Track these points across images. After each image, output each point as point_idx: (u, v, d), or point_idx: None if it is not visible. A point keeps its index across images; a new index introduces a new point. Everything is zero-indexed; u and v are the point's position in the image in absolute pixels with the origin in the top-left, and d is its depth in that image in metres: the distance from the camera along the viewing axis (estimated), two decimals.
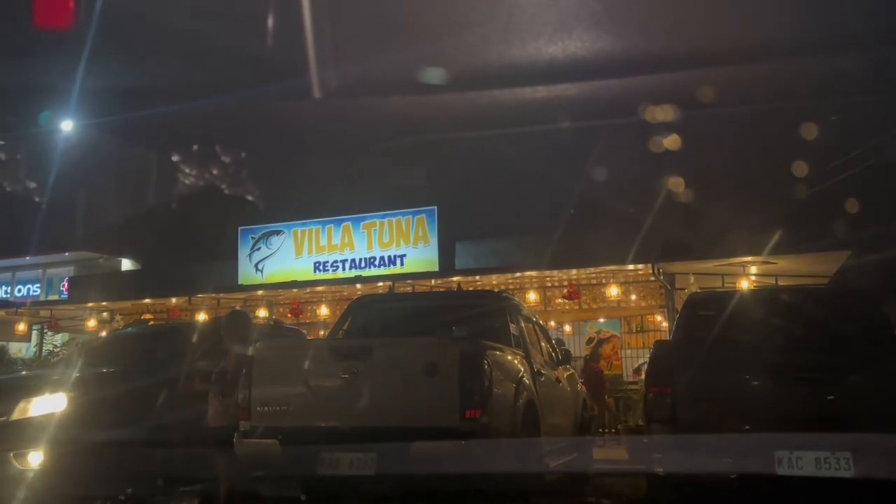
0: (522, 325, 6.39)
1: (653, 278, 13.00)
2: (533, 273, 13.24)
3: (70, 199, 19.71)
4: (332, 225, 15.40)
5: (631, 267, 12.58)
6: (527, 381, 5.63)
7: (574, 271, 13.12)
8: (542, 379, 6.22)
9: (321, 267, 15.47)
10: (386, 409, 4.77)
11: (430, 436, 4.63)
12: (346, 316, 6.28)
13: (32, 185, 20.23)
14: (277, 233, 15.81)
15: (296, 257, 15.61)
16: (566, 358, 7.56)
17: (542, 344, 7.07)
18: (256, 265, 15.84)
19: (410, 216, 14.59)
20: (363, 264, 15.08)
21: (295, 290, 14.98)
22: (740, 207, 11.22)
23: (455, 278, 13.51)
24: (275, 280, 15.37)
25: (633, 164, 12.22)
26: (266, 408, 4.92)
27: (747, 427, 4.90)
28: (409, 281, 13.83)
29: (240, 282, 15.59)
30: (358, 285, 14.21)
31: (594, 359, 13.22)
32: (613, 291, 13.33)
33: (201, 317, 15.52)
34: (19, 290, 22.57)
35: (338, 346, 5.38)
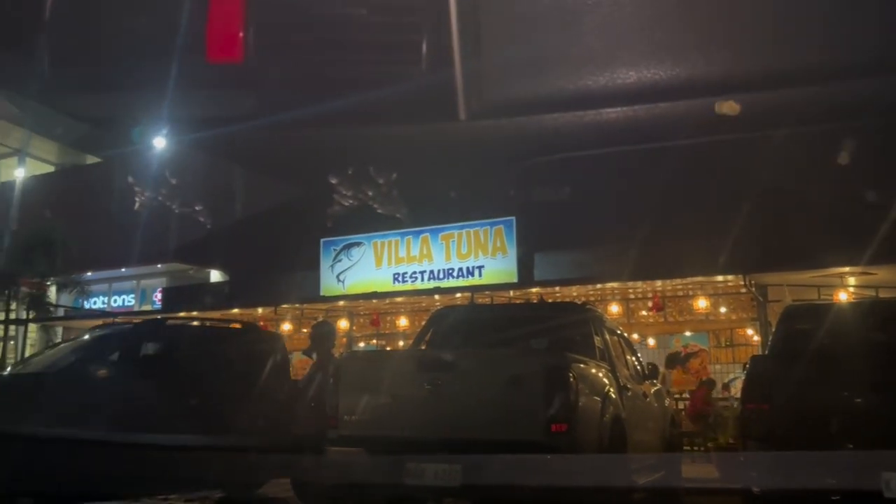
0: (607, 337, 6.25)
1: (744, 290, 12.50)
2: (615, 284, 12.96)
3: (162, 212, 20.62)
4: (410, 236, 15.54)
5: (720, 278, 12.13)
6: (613, 395, 5.49)
7: (659, 282, 12.76)
8: (629, 393, 6.05)
9: (400, 278, 15.62)
10: (470, 420, 4.75)
11: (515, 449, 4.57)
12: (428, 327, 6.30)
13: (128, 199, 21.34)
14: (358, 244, 16.08)
15: (376, 268, 15.83)
16: (653, 372, 7.35)
17: (628, 357, 6.89)
18: (338, 276, 16.14)
19: (489, 227, 14.56)
20: (441, 275, 15.13)
21: (374, 301, 15.19)
22: (838, 216, 10.68)
23: (534, 289, 13.37)
24: (355, 291, 15.62)
25: (722, 171, 11.80)
26: (353, 416, 4.99)
27: (850, 446, 4.63)
28: (487, 292, 13.79)
29: (322, 293, 15.91)
30: (436, 296, 14.28)
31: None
32: (702, 304, 12.86)
33: (286, 326, 15.93)
34: (115, 301, 23.64)
35: (422, 358, 5.40)
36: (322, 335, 5.91)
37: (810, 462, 4.48)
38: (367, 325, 16.38)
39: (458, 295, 14.03)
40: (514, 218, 14.27)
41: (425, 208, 15.54)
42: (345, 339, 16.06)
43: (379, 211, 16.18)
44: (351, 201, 16.32)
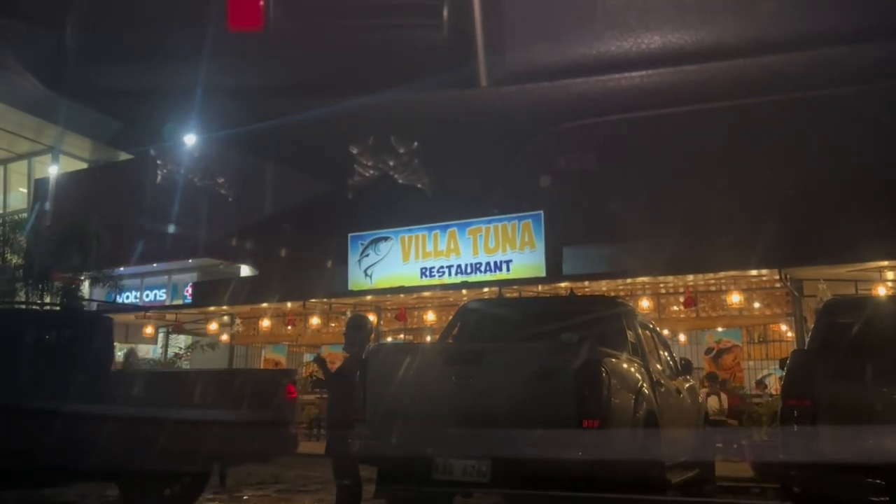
0: (639, 332, 6.10)
1: (778, 284, 12.21)
2: (646, 279, 12.75)
3: (193, 207, 20.81)
4: (438, 231, 15.46)
5: (754, 272, 11.86)
6: (646, 391, 5.35)
7: (691, 277, 12.52)
8: (662, 389, 5.90)
9: (427, 272, 15.56)
10: (499, 415, 4.65)
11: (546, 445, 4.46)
12: (455, 320, 6.21)
13: (159, 195, 21.57)
14: (385, 239, 16.04)
15: (403, 263, 15.78)
16: (686, 368, 7.18)
17: (661, 353, 6.73)
18: (366, 271, 16.13)
19: (516, 221, 14.42)
20: (469, 270, 15.03)
21: (402, 296, 15.15)
22: (877, 208, 10.35)
23: (563, 284, 13.21)
24: (383, 285, 15.60)
25: (756, 163, 11.51)
26: (379, 410, 4.92)
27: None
28: (515, 287, 13.66)
29: (349, 287, 15.92)
30: (464, 291, 14.18)
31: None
32: (735, 298, 12.58)
33: (315, 321, 15.96)
34: (147, 296, 23.96)
35: (449, 351, 5.31)
36: (356, 329, 5.82)
37: (852, 457, 4.33)
38: (394, 319, 16.37)
39: (486, 290, 13.93)
40: (542, 212, 14.11)
41: (453, 202, 15.45)
42: (372, 335, 16.04)
43: (406, 204, 16.14)
44: (378, 194, 16.30)
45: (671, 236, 11.53)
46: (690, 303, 12.64)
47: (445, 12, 3.08)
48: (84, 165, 26.49)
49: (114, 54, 3.78)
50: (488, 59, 3.18)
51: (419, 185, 16.41)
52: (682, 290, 13.00)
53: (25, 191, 26.89)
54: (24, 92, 22.15)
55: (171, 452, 5.31)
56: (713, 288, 13.23)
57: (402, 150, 16.04)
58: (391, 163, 16.25)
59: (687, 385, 7.13)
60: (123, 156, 25.45)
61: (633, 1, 3.03)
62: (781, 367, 7.09)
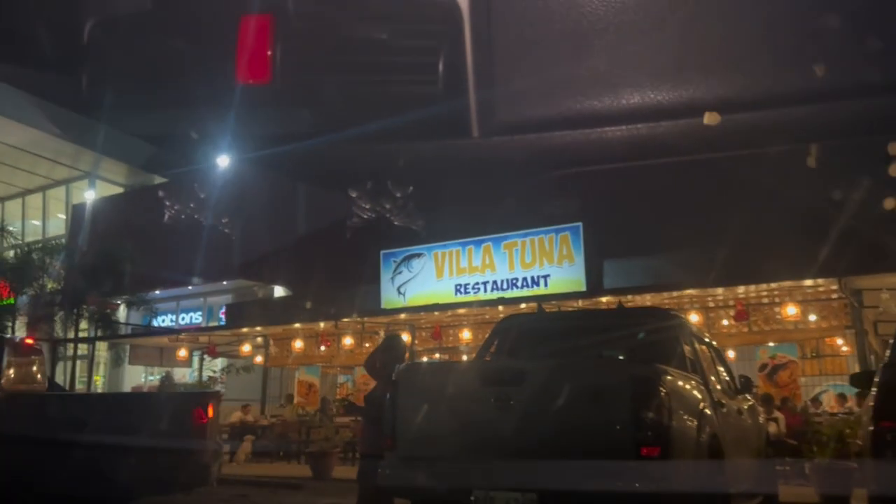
0: (696, 346, 5.53)
1: (835, 295, 11.44)
2: (693, 291, 12.07)
3: (227, 230, 20.75)
4: (472, 246, 15.01)
5: (810, 283, 11.12)
6: (708, 412, 4.77)
7: (742, 289, 11.81)
8: (724, 410, 5.31)
9: (462, 289, 15.11)
10: (545, 442, 4.13)
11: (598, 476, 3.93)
12: (493, 337, 5.67)
13: (193, 218, 21.58)
14: (418, 255, 15.65)
15: (436, 280, 15.36)
16: (746, 386, 6.54)
17: (719, 369, 6.13)
18: (398, 288, 15.73)
19: (553, 234, 13.90)
20: (505, 286, 14.54)
21: (436, 314, 14.68)
22: None
23: (604, 298, 12.61)
24: (416, 303, 15.18)
25: (809, 167, 10.83)
26: (411, 436, 4.42)
27: None
28: (553, 302, 13.09)
29: (382, 305, 15.53)
30: (500, 307, 13.65)
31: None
32: (791, 311, 11.80)
33: (348, 341, 15.58)
34: (183, 319, 23.94)
35: (487, 370, 4.79)
36: (390, 349, 5.42)
37: None
38: (429, 338, 15.88)
39: (523, 305, 13.36)
40: (580, 224, 13.56)
41: (487, 216, 14.97)
42: (406, 355, 15.59)
43: (438, 219, 15.72)
44: (410, 211, 15.93)
45: (720, 246, 10.86)
46: (742, 316, 11.93)
47: (441, 68, 3.34)
48: (120, 190, 26.71)
49: (149, 102, 4.07)
50: (480, 112, 3.41)
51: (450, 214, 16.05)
52: (732, 302, 12.29)
53: (64, 217, 27.21)
54: (61, 118, 22.57)
55: (59, 478, 4.98)
56: (765, 300, 12.48)
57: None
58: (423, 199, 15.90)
59: (747, 405, 6.51)
60: (158, 179, 25.62)
61: (617, 60, 3.24)
62: (854, 384, 6.43)
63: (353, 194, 16.97)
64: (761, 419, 7.41)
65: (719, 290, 11.95)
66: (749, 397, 6.87)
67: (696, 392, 4.81)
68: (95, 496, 5.10)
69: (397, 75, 3.44)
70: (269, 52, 3.24)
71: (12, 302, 19.19)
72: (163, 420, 5.88)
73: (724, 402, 5.46)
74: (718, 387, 5.67)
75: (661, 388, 4.11)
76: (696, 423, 4.49)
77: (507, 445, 4.15)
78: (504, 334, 5.58)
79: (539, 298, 13.33)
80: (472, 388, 4.41)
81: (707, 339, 6.39)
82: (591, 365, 4.33)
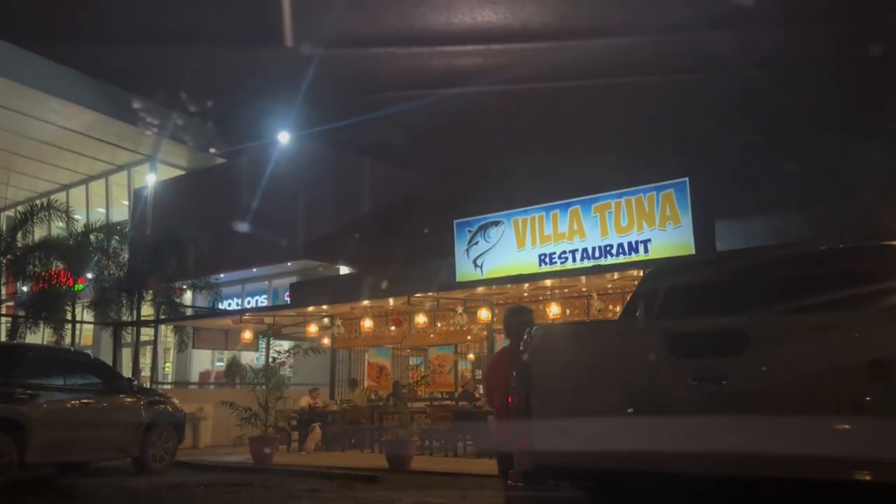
0: None
1: None
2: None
3: (290, 210, 19.90)
4: (557, 210, 13.39)
5: None
6: None
7: None
8: None
9: (547, 259, 13.55)
10: (785, 446, 2.56)
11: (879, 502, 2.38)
12: (648, 291, 4.00)
13: (255, 198, 20.82)
14: (496, 223, 14.15)
15: (518, 250, 13.84)
16: None
17: None
18: (475, 261, 14.29)
19: (654, 192, 12.14)
20: (597, 254, 12.90)
21: (517, 287, 13.15)
22: None
23: None
24: (495, 276, 13.70)
25: None
26: (555, 438, 2.92)
27: None
28: None
29: (458, 279, 14.13)
30: (583, 279, 12.02)
31: None
32: None
33: (421, 319, 14.28)
34: (248, 302, 23.33)
35: (678, 333, 3.02)
36: (517, 324, 4.37)
37: None
38: None
39: (616, 276, 11.71)
40: (686, 179, 11.76)
41: (573, 174, 13.34)
42: (484, 333, 14.19)
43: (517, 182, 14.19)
44: (485, 173, 14.45)
45: (865, 192, 9.00)
46: None
47: None
48: (181, 172, 26.27)
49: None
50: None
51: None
52: None
53: (126, 202, 26.95)
54: (123, 101, 22.21)
55: None
56: None
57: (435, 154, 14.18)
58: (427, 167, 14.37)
59: None
60: (219, 160, 25.05)
61: None
62: None
63: (422, 163, 15.64)
64: None
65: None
66: None
67: None
68: None
69: None
70: None
71: (80, 288, 18.78)
72: None
73: None
74: None
75: None
76: None
77: (719, 451, 2.59)
78: (668, 287, 3.90)
79: (639, 265, 11.66)
80: (656, 364, 2.82)
81: None
82: (863, 320, 2.66)
